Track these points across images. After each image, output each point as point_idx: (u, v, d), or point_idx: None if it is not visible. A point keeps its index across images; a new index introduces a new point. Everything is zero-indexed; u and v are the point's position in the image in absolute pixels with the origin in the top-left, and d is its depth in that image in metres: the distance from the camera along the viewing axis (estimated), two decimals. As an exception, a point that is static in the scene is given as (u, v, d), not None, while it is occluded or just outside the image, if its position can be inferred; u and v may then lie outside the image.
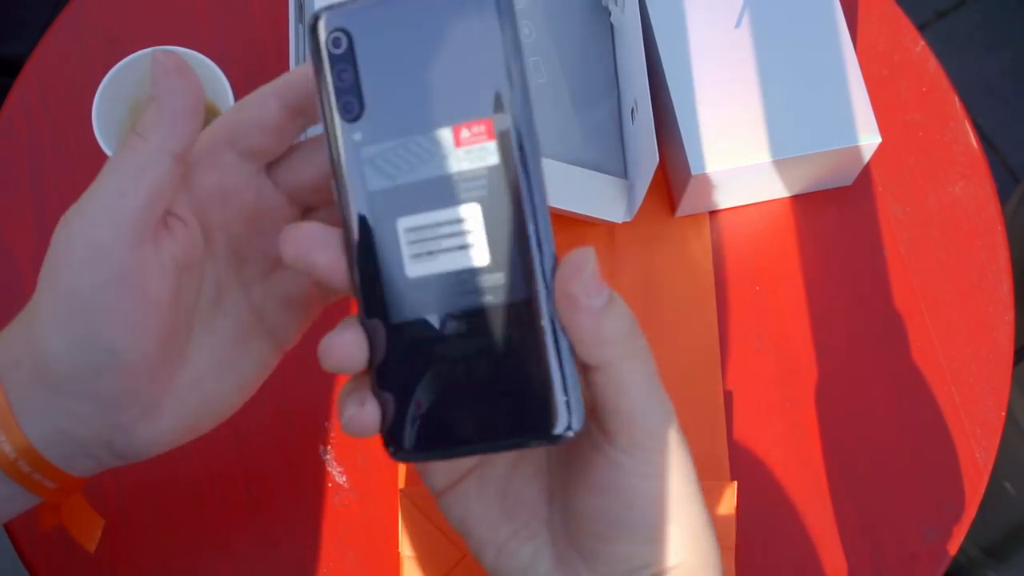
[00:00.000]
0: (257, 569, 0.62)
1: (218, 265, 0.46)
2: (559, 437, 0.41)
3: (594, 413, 0.43)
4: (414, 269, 0.42)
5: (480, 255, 0.41)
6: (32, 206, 0.70)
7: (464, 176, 0.41)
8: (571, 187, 0.66)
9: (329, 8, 0.42)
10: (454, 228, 0.41)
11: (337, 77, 0.42)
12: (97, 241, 0.41)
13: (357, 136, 0.42)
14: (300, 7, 0.70)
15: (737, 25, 0.69)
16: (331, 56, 0.42)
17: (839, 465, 0.66)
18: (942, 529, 0.65)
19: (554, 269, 0.41)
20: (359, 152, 0.42)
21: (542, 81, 0.69)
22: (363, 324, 0.42)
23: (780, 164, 0.67)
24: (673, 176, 0.69)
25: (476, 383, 0.41)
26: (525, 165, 0.41)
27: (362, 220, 0.42)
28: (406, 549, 0.61)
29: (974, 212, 0.72)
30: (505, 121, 0.41)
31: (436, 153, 0.41)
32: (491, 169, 0.41)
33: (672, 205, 0.71)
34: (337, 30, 0.41)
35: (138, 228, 0.42)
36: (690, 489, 0.45)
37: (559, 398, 0.41)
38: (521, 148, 0.41)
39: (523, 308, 0.41)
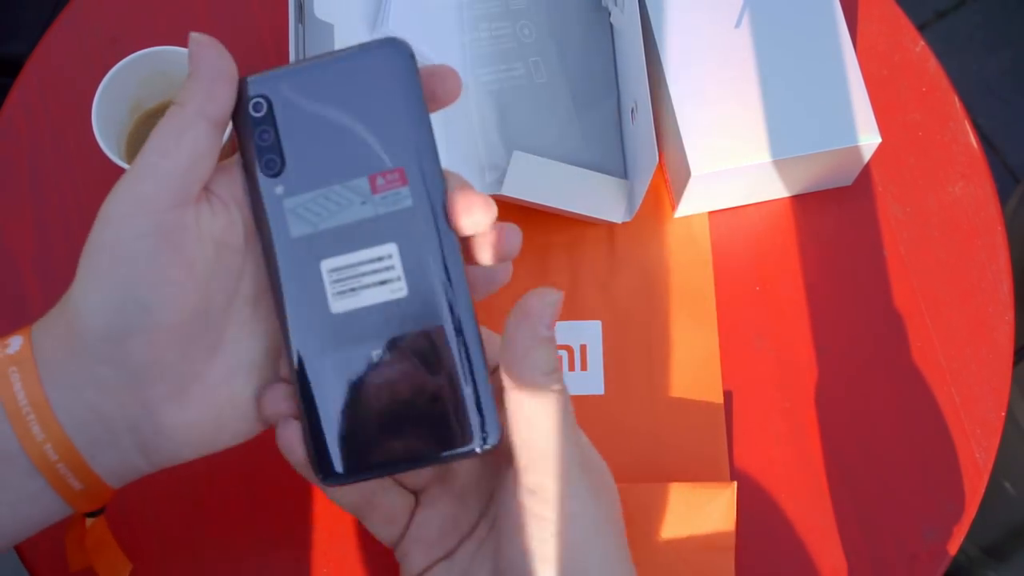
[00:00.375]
0: (257, 569, 0.62)
1: (260, 270, 0.48)
2: (472, 452, 0.45)
3: (508, 449, 0.46)
4: (338, 305, 0.46)
5: (399, 289, 0.45)
6: (32, 206, 0.70)
7: (381, 219, 0.45)
8: (571, 187, 0.66)
9: (249, 76, 0.46)
10: (374, 266, 0.46)
11: (259, 137, 0.46)
12: (139, 195, 0.43)
13: (279, 189, 0.46)
14: (300, 7, 0.70)
15: (737, 25, 0.69)
16: (252, 119, 0.46)
17: (839, 465, 0.66)
18: (942, 529, 0.65)
19: (466, 297, 0.45)
20: (281, 203, 0.46)
21: (542, 81, 0.69)
22: (288, 357, 0.46)
23: (780, 164, 0.67)
24: (673, 176, 0.69)
25: (396, 407, 0.45)
26: (434, 206, 0.45)
27: (285, 263, 0.46)
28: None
29: (974, 212, 0.72)
30: (415, 168, 0.45)
31: (354, 200, 0.45)
32: (406, 209, 0.45)
33: (672, 205, 0.71)
34: (258, 96, 0.46)
35: (179, 188, 0.44)
36: (597, 543, 0.46)
37: (473, 416, 0.45)
38: (430, 191, 0.45)
39: (438, 334, 0.45)
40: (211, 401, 0.46)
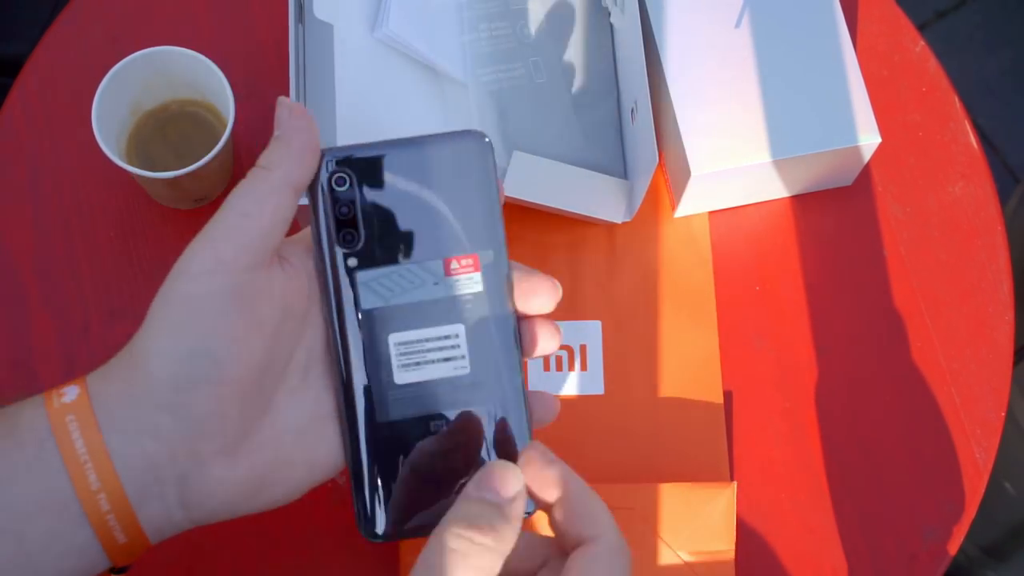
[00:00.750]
0: (257, 569, 0.62)
1: (314, 341, 0.49)
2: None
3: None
4: (401, 376, 0.48)
5: (461, 367, 0.48)
6: (31, 206, 0.70)
7: (452, 300, 0.48)
8: (571, 187, 0.66)
9: (331, 149, 0.47)
10: (441, 343, 0.48)
11: (339, 211, 0.47)
12: (219, 255, 0.45)
13: (353, 262, 0.47)
14: (300, 7, 0.70)
15: (737, 25, 0.69)
16: (334, 192, 0.47)
17: (839, 465, 0.66)
18: (942, 529, 0.65)
19: (520, 379, 0.48)
20: (354, 276, 0.47)
21: (542, 81, 0.69)
22: (346, 420, 0.47)
23: (780, 164, 0.67)
24: (673, 176, 0.69)
25: (444, 476, 0.47)
26: (501, 292, 0.48)
27: (353, 332, 0.47)
28: (406, 553, 0.61)
29: (974, 212, 0.72)
30: (488, 256, 0.48)
31: (428, 280, 0.48)
32: (476, 295, 0.48)
33: (672, 205, 0.71)
34: (341, 171, 0.47)
35: (258, 249, 0.45)
36: None
37: None
38: (499, 277, 0.48)
39: (491, 412, 0.48)
40: (257, 461, 0.47)
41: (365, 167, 0.47)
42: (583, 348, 0.67)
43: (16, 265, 0.69)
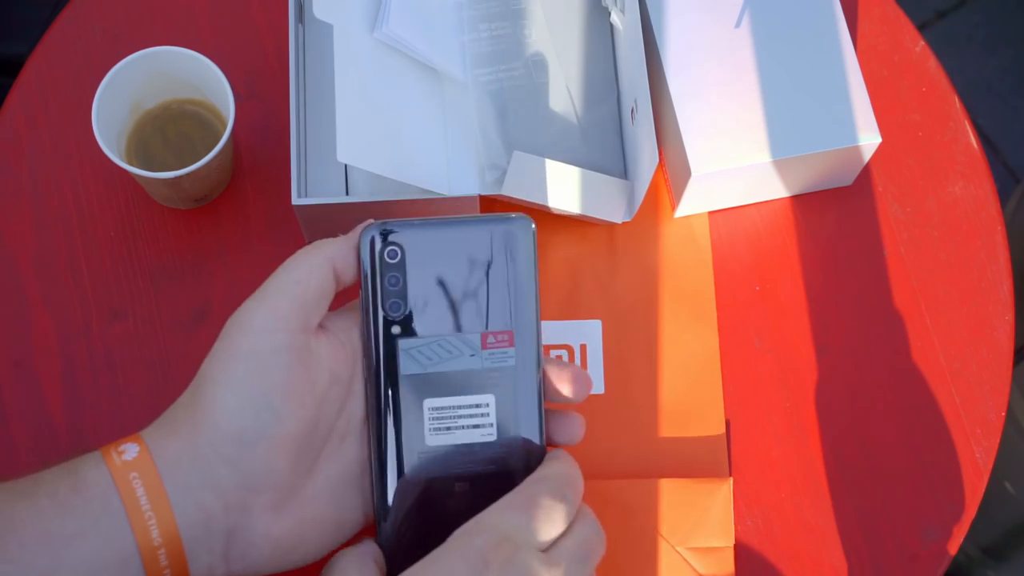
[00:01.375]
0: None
1: (355, 409, 0.52)
2: None
3: None
4: (432, 439, 0.51)
5: (489, 434, 0.51)
6: (32, 206, 0.70)
7: (486, 372, 0.51)
8: (571, 188, 0.66)
9: (385, 223, 0.51)
10: (472, 411, 0.51)
11: (388, 281, 0.51)
12: (277, 313, 0.48)
13: (396, 330, 0.51)
14: (300, 7, 0.70)
15: (737, 25, 0.69)
16: (385, 263, 0.51)
17: (839, 465, 0.66)
18: (942, 529, 0.65)
19: (542, 450, 0.52)
20: (396, 343, 0.51)
21: (542, 81, 0.69)
22: (378, 477, 0.51)
23: (780, 164, 0.67)
24: (673, 176, 0.69)
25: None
26: (531, 369, 0.51)
27: (392, 395, 0.51)
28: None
29: (974, 212, 0.72)
30: (523, 333, 0.51)
31: (465, 351, 0.51)
32: (508, 369, 0.51)
33: (672, 205, 0.71)
34: (394, 244, 0.50)
35: (308, 314, 0.49)
36: None
37: None
38: (531, 355, 0.51)
39: (514, 478, 0.51)
40: (300, 517, 0.50)
41: (417, 242, 0.50)
42: (583, 347, 0.67)
43: (16, 264, 0.69)
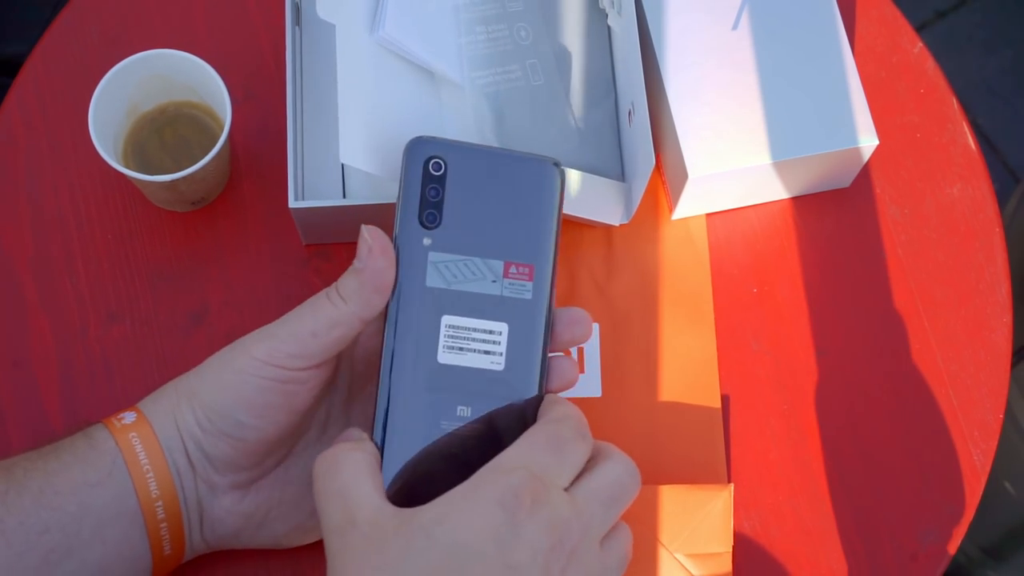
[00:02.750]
0: (257, 570, 0.62)
1: (335, 396, 0.55)
2: None
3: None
4: (444, 357, 0.52)
5: (497, 363, 0.52)
6: (29, 208, 0.70)
7: (504, 301, 0.52)
8: (568, 189, 0.66)
9: (433, 138, 0.53)
10: (484, 336, 0.52)
11: (428, 192, 0.52)
12: (278, 352, 0.50)
13: (427, 241, 0.52)
14: (296, 10, 0.70)
15: (734, 27, 0.69)
16: (428, 174, 0.52)
17: (837, 467, 0.66)
18: (940, 531, 0.65)
19: (543, 386, 0.53)
20: (427, 254, 0.52)
21: (539, 84, 0.69)
22: (384, 383, 0.51)
23: (777, 166, 0.67)
24: (671, 178, 0.69)
25: (460, 456, 0.51)
26: (545, 305, 0.53)
27: (412, 304, 0.52)
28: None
29: (972, 214, 0.72)
30: (541, 270, 0.53)
31: (487, 276, 0.52)
32: (524, 302, 0.52)
33: (670, 207, 0.71)
34: (438, 157, 0.52)
35: (313, 357, 0.50)
36: None
37: None
38: (546, 292, 0.53)
39: (514, 411, 0.52)
40: (268, 496, 0.54)
41: (461, 161, 0.52)
42: (580, 350, 0.67)
43: (13, 266, 0.69)
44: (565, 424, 0.49)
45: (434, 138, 0.52)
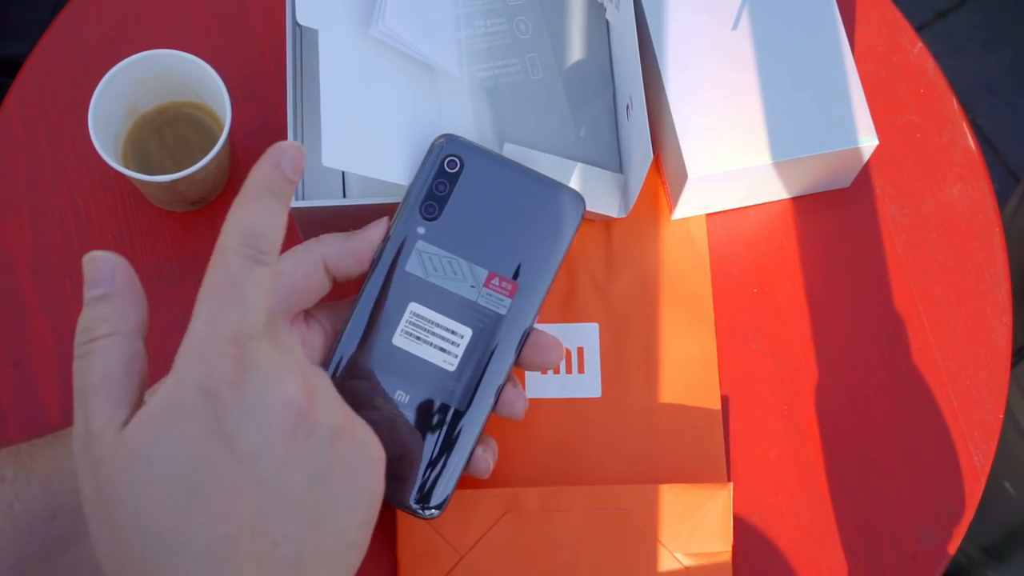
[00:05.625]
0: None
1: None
2: (414, 511, 0.54)
3: None
4: (399, 340, 0.53)
5: (450, 363, 0.53)
6: (29, 208, 0.70)
7: (476, 308, 0.53)
8: (565, 180, 0.66)
9: (461, 139, 0.54)
10: (445, 334, 0.53)
11: (436, 186, 0.54)
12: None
13: (421, 230, 0.53)
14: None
15: (734, 27, 0.69)
16: (440, 170, 0.54)
17: (837, 467, 0.66)
18: (940, 531, 0.65)
19: (490, 405, 0.53)
20: (415, 242, 0.53)
21: (538, 78, 0.69)
22: (338, 345, 0.53)
23: (777, 166, 0.67)
24: (670, 178, 0.69)
25: (391, 439, 0.51)
26: (519, 327, 0.53)
27: (382, 282, 0.53)
28: (404, 552, 0.61)
29: (972, 214, 0.72)
30: (526, 294, 0.53)
31: (467, 279, 0.53)
32: (497, 316, 0.53)
33: (669, 207, 0.71)
34: (456, 156, 0.54)
35: (283, 300, 0.51)
36: None
37: (434, 487, 0.53)
38: (524, 315, 0.53)
39: (453, 415, 0.53)
40: None
41: (478, 166, 0.54)
42: (580, 351, 0.67)
43: (13, 267, 0.69)
44: (233, 256, 0.40)
45: (463, 139, 0.54)
